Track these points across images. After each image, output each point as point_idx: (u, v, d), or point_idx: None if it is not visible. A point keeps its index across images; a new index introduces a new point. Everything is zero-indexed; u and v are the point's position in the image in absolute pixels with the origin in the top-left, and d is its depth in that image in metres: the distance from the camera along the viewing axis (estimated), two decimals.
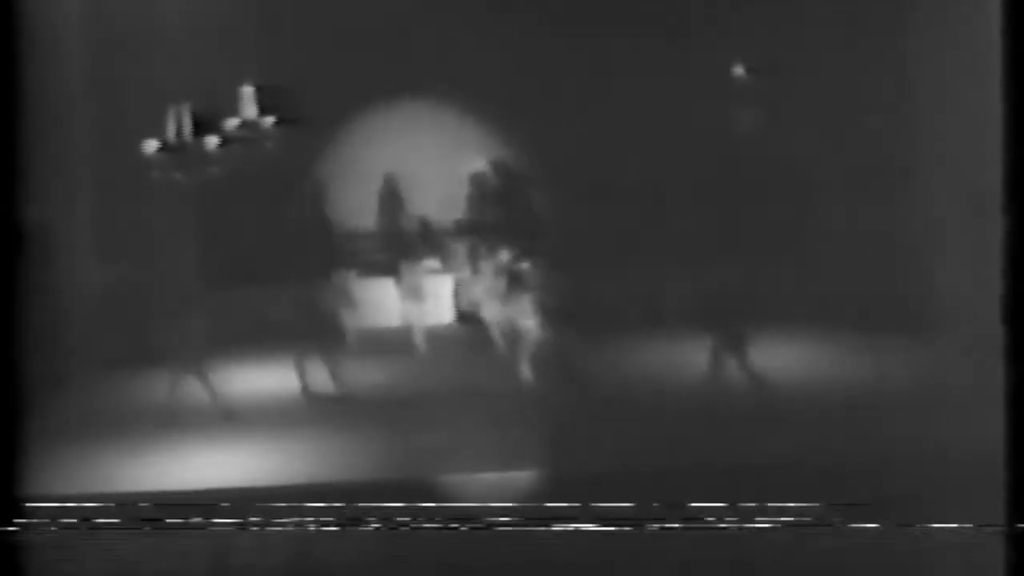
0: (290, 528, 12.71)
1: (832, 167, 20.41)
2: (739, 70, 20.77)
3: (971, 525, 8.37)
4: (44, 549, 8.91)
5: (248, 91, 19.40)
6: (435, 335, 20.04)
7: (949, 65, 19.10)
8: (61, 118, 18.13)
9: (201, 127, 18.18)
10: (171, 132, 17.94)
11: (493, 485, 13.64)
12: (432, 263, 20.85)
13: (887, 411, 15.73)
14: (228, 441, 15.91)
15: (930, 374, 17.21)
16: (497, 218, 21.27)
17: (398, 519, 12.38)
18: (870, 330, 19.52)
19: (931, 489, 12.49)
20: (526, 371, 18.02)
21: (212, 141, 18.28)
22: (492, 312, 19.14)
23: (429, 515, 12.50)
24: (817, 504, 12.24)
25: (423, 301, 20.11)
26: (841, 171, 20.36)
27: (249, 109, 19.39)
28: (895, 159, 19.84)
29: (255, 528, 12.70)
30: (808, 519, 12.25)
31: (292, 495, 13.31)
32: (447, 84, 21.05)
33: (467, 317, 20.18)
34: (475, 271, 20.20)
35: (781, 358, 17.99)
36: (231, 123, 18.97)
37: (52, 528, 10.27)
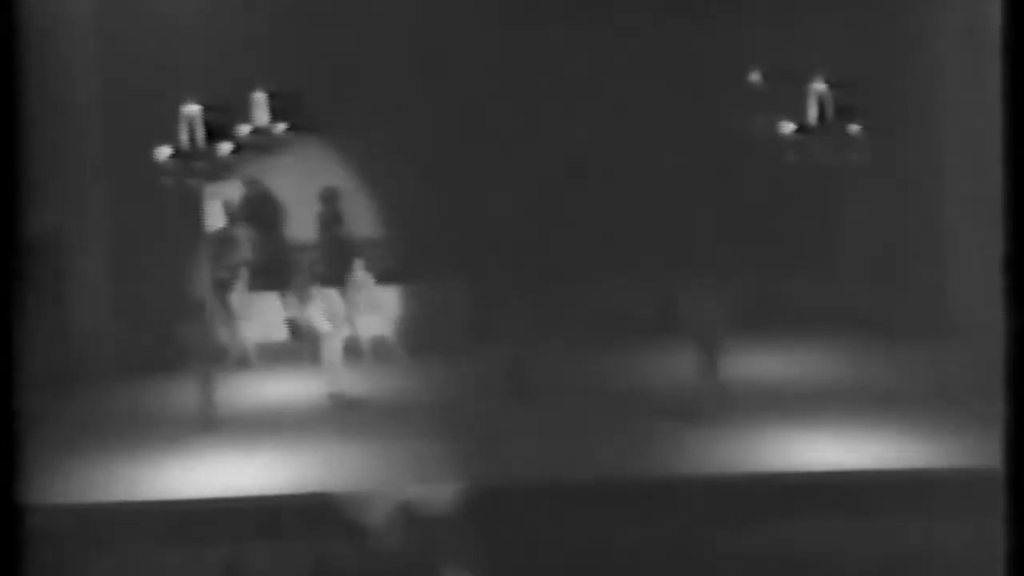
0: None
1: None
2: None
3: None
4: (48, 558, 8.84)
5: (260, 97, 19.45)
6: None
7: (952, 69, 19.10)
8: (73, 125, 18.19)
9: (213, 133, 18.14)
10: (183, 138, 17.90)
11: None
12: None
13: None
14: (236, 449, 15.85)
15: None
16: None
17: None
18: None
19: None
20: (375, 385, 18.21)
21: (225, 147, 18.22)
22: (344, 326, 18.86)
23: None
24: None
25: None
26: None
27: (261, 115, 19.44)
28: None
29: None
30: None
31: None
32: None
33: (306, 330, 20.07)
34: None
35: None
36: (243, 129, 19.04)
37: (56, 536, 10.25)
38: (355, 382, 18.09)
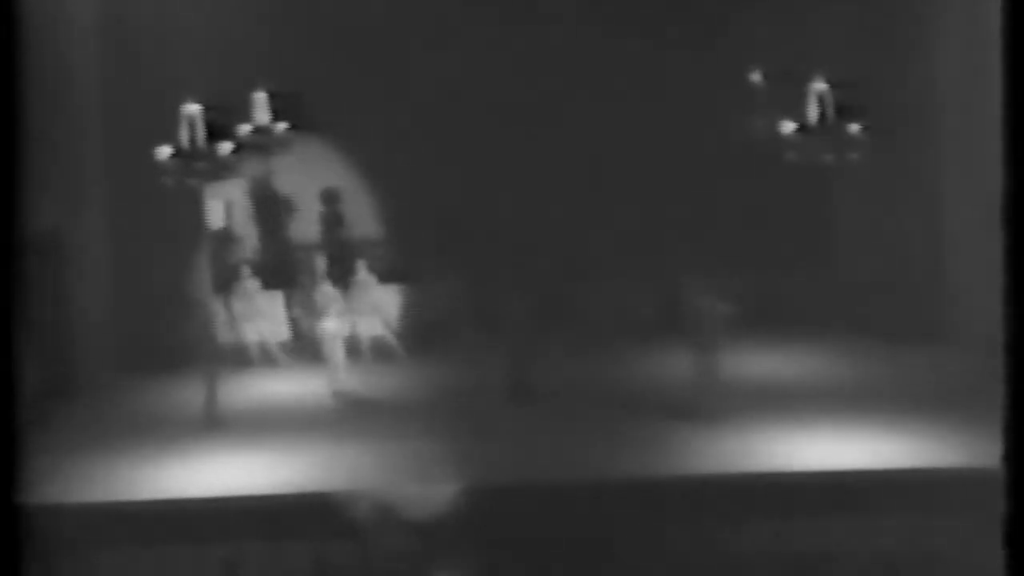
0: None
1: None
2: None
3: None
4: (48, 558, 8.86)
5: (261, 97, 19.45)
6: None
7: (952, 69, 19.09)
8: (73, 125, 18.17)
9: (214, 133, 18.14)
10: (184, 138, 17.90)
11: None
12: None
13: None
14: (237, 449, 15.83)
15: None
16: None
17: None
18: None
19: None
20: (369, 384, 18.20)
21: (225, 147, 18.21)
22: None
23: None
24: None
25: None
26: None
27: (262, 115, 19.44)
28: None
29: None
30: None
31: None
32: None
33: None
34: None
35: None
36: (244, 129, 19.04)
37: (56, 536, 10.24)
38: (355, 382, 18.09)
